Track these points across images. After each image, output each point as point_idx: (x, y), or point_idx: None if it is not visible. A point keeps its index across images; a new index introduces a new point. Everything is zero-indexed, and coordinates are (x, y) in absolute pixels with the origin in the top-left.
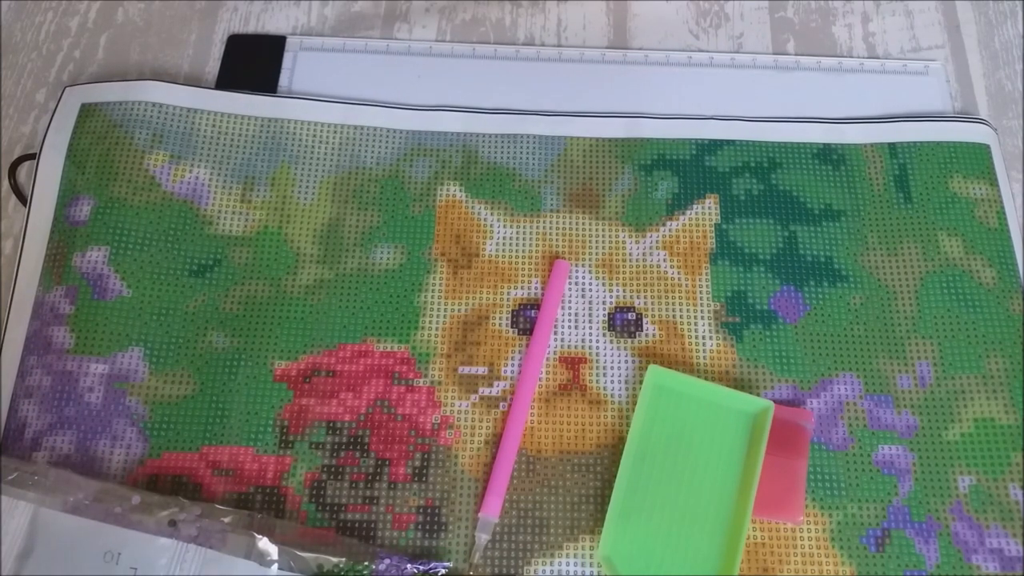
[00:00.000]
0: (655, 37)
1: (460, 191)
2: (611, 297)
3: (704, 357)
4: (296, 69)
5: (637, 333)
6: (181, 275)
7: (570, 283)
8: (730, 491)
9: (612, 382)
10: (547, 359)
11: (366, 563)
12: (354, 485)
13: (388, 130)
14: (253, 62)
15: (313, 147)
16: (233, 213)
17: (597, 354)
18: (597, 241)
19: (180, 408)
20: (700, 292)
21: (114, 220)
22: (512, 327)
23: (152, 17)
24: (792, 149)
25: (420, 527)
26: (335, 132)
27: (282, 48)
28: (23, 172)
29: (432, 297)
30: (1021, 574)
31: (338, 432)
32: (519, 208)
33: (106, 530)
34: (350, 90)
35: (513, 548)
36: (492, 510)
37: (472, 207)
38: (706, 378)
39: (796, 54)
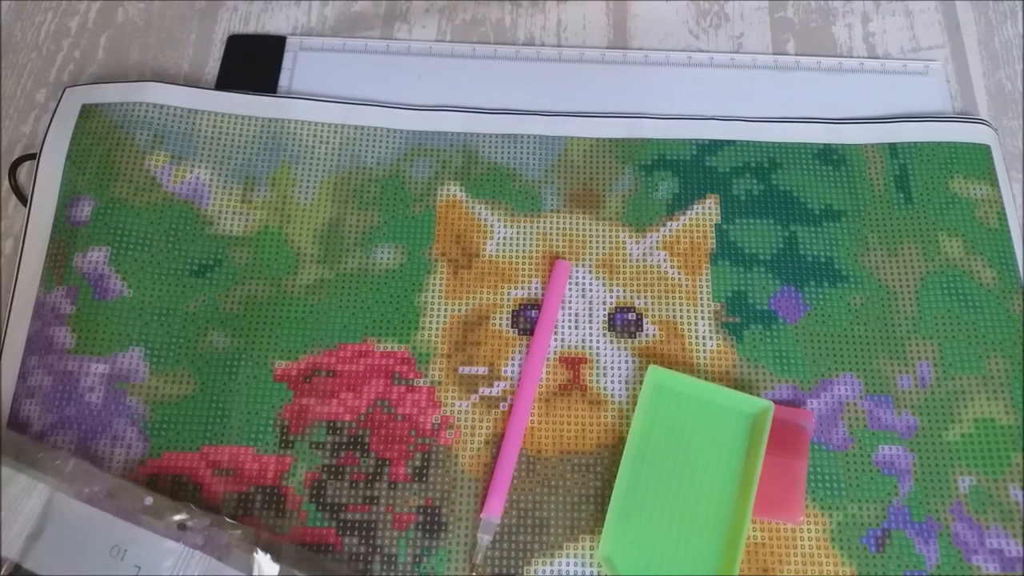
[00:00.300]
0: (655, 37)
1: (460, 191)
2: (611, 297)
3: (704, 357)
4: (296, 69)
5: (637, 333)
6: (182, 275)
7: (570, 283)
8: (730, 491)
9: (612, 382)
10: (547, 359)
11: None
12: (354, 485)
13: (388, 130)
14: (253, 62)
15: (313, 147)
16: (234, 213)
17: (597, 354)
18: (597, 241)
19: (180, 408)
20: (700, 292)
21: (115, 220)
22: (512, 327)
23: (152, 17)
24: (792, 149)
25: (420, 527)
26: (335, 132)
27: (282, 48)
28: (23, 172)
29: (432, 297)
30: (1021, 575)
31: (338, 432)
32: (519, 208)
33: (117, 525)
34: (350, 90)
35: (513, 548)
36: (494, 511)
37: (472, 207)
38: (706, 378)
39: (796, 54)
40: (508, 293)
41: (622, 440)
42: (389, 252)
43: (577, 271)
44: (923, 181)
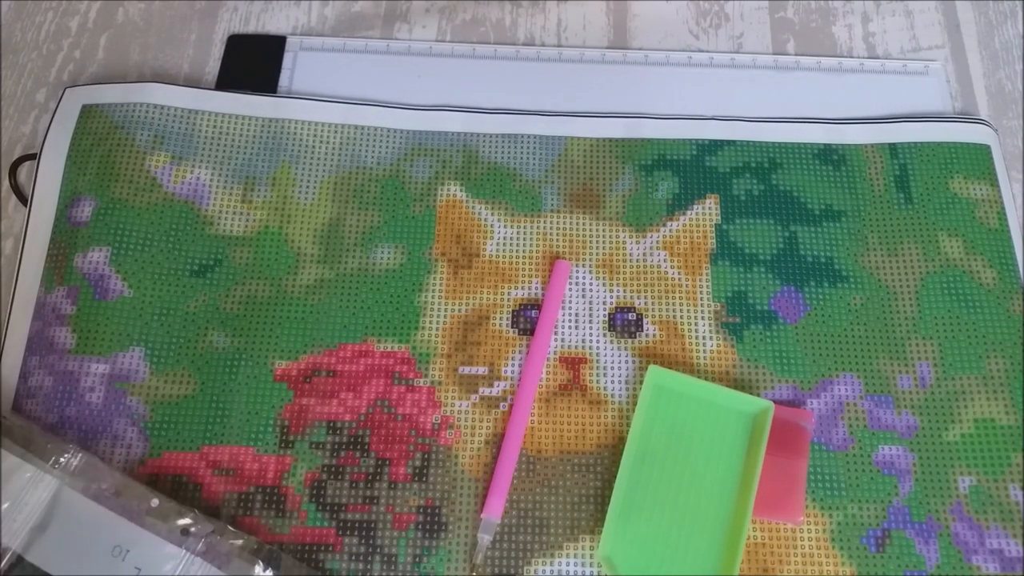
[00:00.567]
0: (655, 37)
1: (461, 191)
2: (611, 297)
3: (704, 357)
4: (296, 69)
5: (637, 333)
6: (182, 275)
7: (570, 283)
8: (730, 491)
9: (612, 382)
10: (547, 359)
11: None
12: (354, 485)
13: (388, 130)
14: (253, 62)
15: (313, 147)
16: (234, 213)
17: (597, 354)
18: (597, 241)
19: (180, 408)
20: (700, 292)
21: (115, 221)
22: (512, 327)
23: (152, 17)
24: (792, 149)
25: (420, 527)
26: (335, 132)
27: (282, 48)
28: (23, 172)
29: (432, 297)
30: (1021, 575)
31: (338, 432)
32: (519, 208)
33: (121, 524)
34: (350, 90)
35: (513, 548)
36: (494, 511)
37: (472, 207)
38: (706, 378)
39: (796, 54)
40: (508, 293)
41: (622, 440)
42: (389, 252)
43: (577, 271)
44: (923, 181)
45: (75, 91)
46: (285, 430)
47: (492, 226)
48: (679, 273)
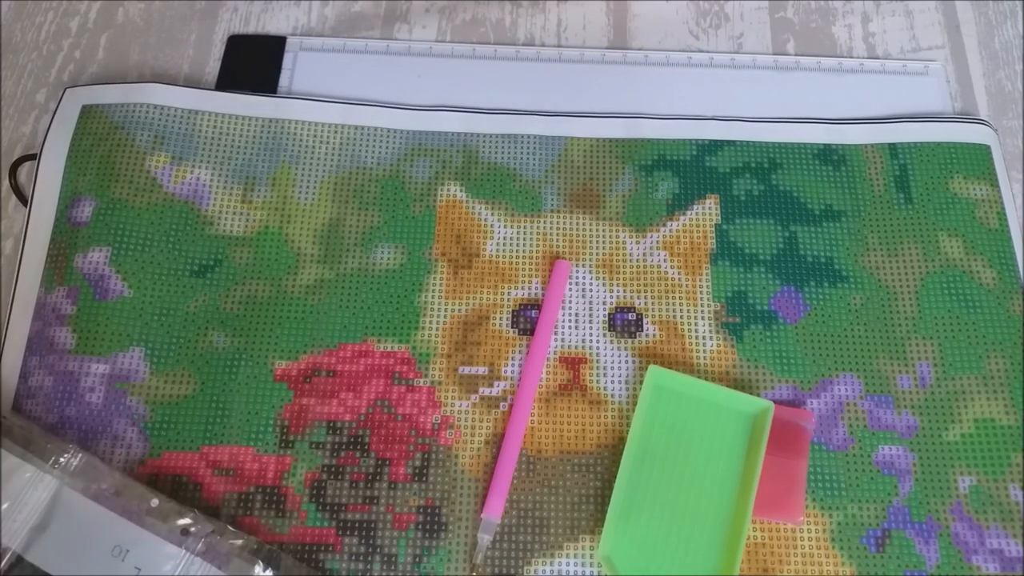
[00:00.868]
0: (655, 37)
1: (460, 191)
2: (611, 297)
3: (704, 357)
4: (296, 69)
5: (637, 333)
6: (182, 275)
7: (570, 283)
8: (730, 491)
9: (612, 382)
10: (547, 359)
11: None
12: (354, 485)
13: (388, 130)
14: (253, 62)
15: (313, 147)
16: (234, 213)
17: (597, 354)
18: (597, 241)
19: (181, 408)
20: (700, 292)
21: (115, 221)
22: (512, 327)
23: (152, 17)
24: (792, 149)
25: (420, 527)
26: (335, 132)
27: (282, 48)
28: (23, 172)
29: (432, 297)
30: (1021, 575)
31: (338, 432)
32: (519, 208)
33: (121, 524)
34: (350, 90)
35: (513, 548)
36: (494, 511)
37: (472, 207)
38: (706, 378)
39: (796, 54)
40: (508, 293)
41: (622, 440)
42: (389, 252)
43: (577, 271)
44: (923, 181)
45: (75, 91)
46: (285, 430)
47: (492, 226)
48: (679, 273)
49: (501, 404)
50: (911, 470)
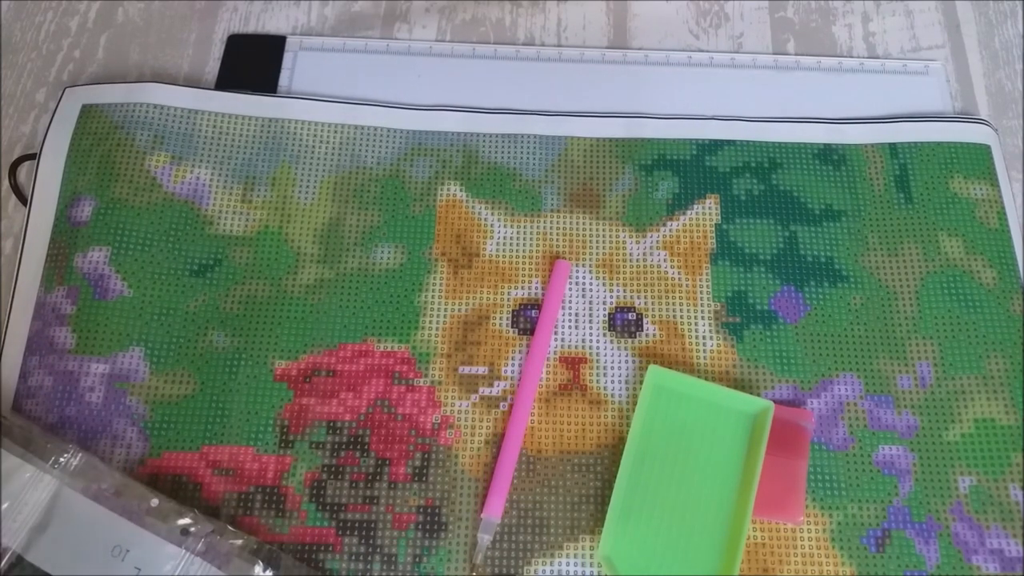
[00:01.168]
0: (655, 37)
1: (460, 191)
2: (611, 297)
3: (704, 357)
4: (296, 69)
5: (637, 333)
6: (182, 275)
7: (570, 283)
8: (730, 491)
9: (612, 382)
10: (547, 359)
11: None
12: (354, 485)
13: (388, 130)
14: (253, 62)
15: (313, 147)
16: (234, 213)
17: (597, 354)
18: (598, 241)
19: (180, 408)
20: (700, 292)
21: (115, 221)
22: (512, 327)
23: (152, 17)
24: (792, 149)
25: (420, 527)
26: (335, 132)
27: (282, 48)
28: (23, 172)
29: (432, 297)
30: (1021, 575)
31: (338, 432)
32: (520, 208)
33: (121, 524)
34: (350, 90)
35: (513, 548)
36: (494, 511)
37: (472, 207)
38: (706, 378)
39: (796, 54)
40: (508, 293)
41: (622, 440)
42: (389, 252)
43: (577, 271)
44: (923, 181)
45: (75, 91)
46: (285, 430)
47: (492, 226)
48: (679, 273)
49: (501, 404)
50: (911, 470)
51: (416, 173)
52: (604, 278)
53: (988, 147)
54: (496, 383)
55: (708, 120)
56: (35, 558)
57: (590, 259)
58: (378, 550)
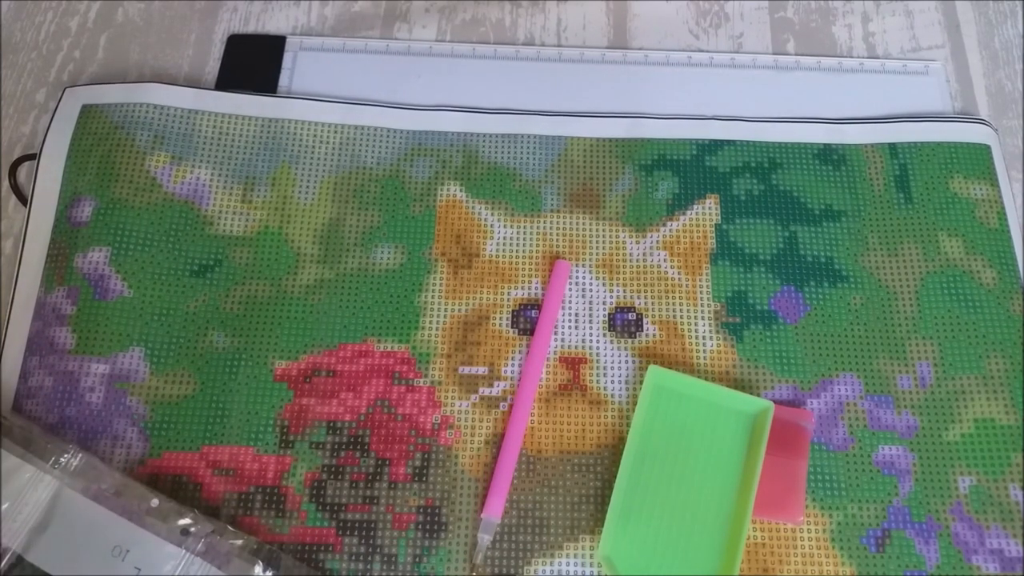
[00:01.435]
0: (655, 37)
1: (460, 191)
2: (611, 297)
3: (704, 357)
4: (296, 69)
5: (637, 333)
6: (182, 275)
7: (570, 283)
8: (730, 491)
9: (612, 382)
10: (547, 359)
11: None
12: (354, 485)
13: (388, 130)
14: (253, 62)
15: (313, 147)
16: (234, 213)
17: (597, 354)
18: (597, 241)
19: (181, 408)
20: (700, 292)
21: (115, 221)
22: (512, 327)
23: (152, 17)
24: (792, 149)
25: (420, 527)
26: (335, 132)
27: (282, 48)
28: (23, 172)
29: (432, 297)
30: (1021, 575)
31: (338, 432)
32: (519, 208)
33: (121, 524)
34: (350, 90)
35: (513, 548)
36: (494, 511)
37: (472, 207)
38: (706, 378)
39: (796, 54)
40: (508, 293)
41: (622, 440)
42: (389, 252)
43: (577, 271)
44: (923, 181)
45: (75, 91)
46: (285, 430)
47: (492, 226)
48: (679, 273)
49: (501, 404)
50: (911, 470)
51: (416, 173)
52: (604, 278)
53: (988, 147)
54: (496, 383)
55: (708, 120)
56: (35, 558)
57: (590, 259)
58: (378, 550)
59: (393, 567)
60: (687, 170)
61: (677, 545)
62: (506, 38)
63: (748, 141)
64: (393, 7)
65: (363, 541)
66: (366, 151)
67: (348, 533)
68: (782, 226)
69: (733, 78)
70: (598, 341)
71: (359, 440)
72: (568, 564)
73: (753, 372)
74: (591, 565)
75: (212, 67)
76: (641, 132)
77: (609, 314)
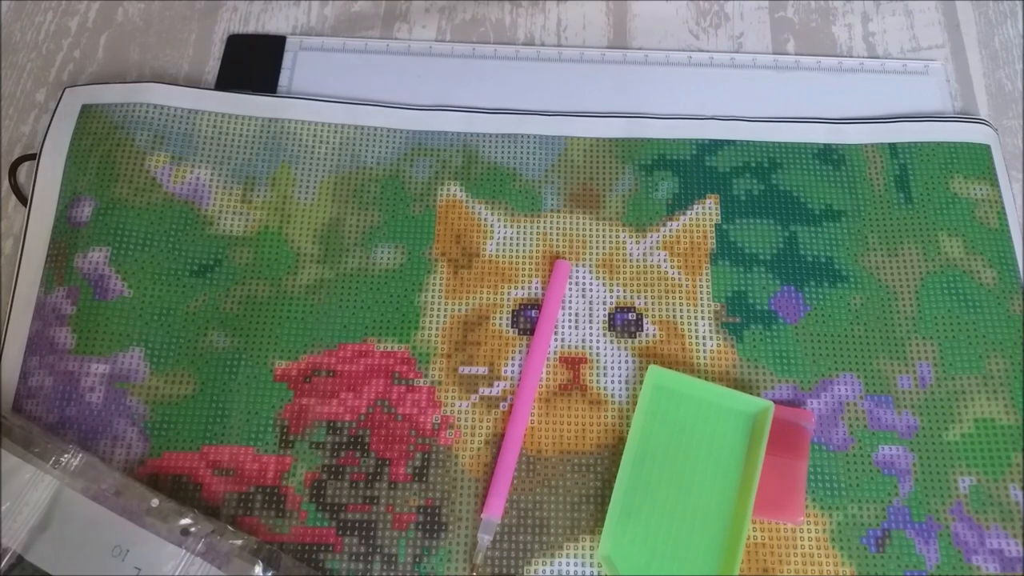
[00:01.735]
0: (655, 37)
1: (460, 191)
2: (611, 297)
3: (704, 357)
4: (296, 69)
5: (637, 333)
6: (182, 275)
7: (570, 283)
8: (730, 491)
9: (612, 382)
10: (547, 359)
11: None
12: (354, 485)
13: (388, 130)
14: (253, 62)
15: (313, 147)
16: (234, 213)
17: (597, 354)
18: (598, 241)
19: (181, 408)
20: (700, 292)
21: (115, 221)
22: (512, 327)
23: (152, 17)
24: (792, 149)
25: (420, 527)
26: (335, 132)
27: (282, 48)
28: (23, 172)
29: (432, 297)
30: (1021, 575)
31: (338, 432)
32: (519, 208)
33: (121, 524)
34: (350, 90)
35: (513, 548)
36: (494, 511)
37: (472, 207)
38: (706, 378)
39: (796, 54)
40: (508, 293)
41: (622, 440)
42: (389, 252)
43: (577, 271)
44: (923, 181)
45: (75, 91)
46: (285, 430)
47: (492, 226)
48: (679, 273)
49: (501, 404)
50: (911, 470)
51: (416, 173)
52: (604, 278)
53: (988, 147)
54: (496, 383)
55: (708, 120)
56: (35, 558)
57: (590, 259)
58: (378, 550)
59: (393, 567)
60: (687, 170)
61: (677, 545)
62: (506, 38)
63: (748, 141)
64: (393, 7)
65: (363, 541)
66: (366, 151)
67: (348, 533)
68: (782, 226)
69: (733, 78)
70: (598, 341)
71: (359, 440)
72: (568, 564)
73: (753, 372)
74: (591, 565)
75: (212, 67)
76: (641, 132)
77: (609, 314)
